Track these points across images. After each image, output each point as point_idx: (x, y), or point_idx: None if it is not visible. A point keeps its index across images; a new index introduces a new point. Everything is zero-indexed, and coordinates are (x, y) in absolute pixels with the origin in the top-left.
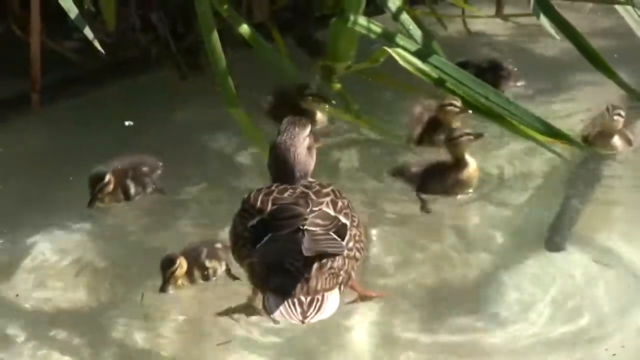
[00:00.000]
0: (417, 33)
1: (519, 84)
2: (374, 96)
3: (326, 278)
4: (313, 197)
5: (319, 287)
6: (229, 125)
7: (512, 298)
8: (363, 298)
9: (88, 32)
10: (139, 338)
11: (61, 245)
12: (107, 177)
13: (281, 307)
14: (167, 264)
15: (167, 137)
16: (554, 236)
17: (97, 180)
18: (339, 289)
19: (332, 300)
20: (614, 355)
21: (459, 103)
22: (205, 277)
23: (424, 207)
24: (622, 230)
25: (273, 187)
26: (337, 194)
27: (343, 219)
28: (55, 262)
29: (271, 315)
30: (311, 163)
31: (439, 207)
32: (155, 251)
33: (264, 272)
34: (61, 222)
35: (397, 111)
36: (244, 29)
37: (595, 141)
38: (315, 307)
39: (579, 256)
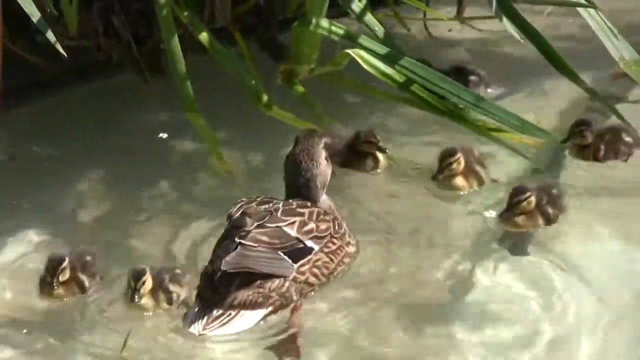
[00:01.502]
0: (382, 34)
1: (489, 90)
2: (338, 99)
3: (249, 295)
4: (279, 214)
5: (235, 302)
6: (192, 128)
7: (475, 303)
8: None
9: (50, 35)
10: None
11: (23, 250)
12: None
13: (192, 314)
14: (138, 275)
15: (131, 141)
16: (516, 241)
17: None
18: (266, 309)
19: (245, 320)
20: None
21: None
22: (170, 301)
23: None
24: (583, 236)
25: (258, 198)
26: (316, 216)
27: (309, 242)
28: (15, 267)
29: (183, 319)
30: (329, 174)
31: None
32: (120, 256)
33: (200, 278)
34: (24, 226)
35: (360, 114)
36: (203, 36)
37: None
38: (220, 321)
39: (540, 262)
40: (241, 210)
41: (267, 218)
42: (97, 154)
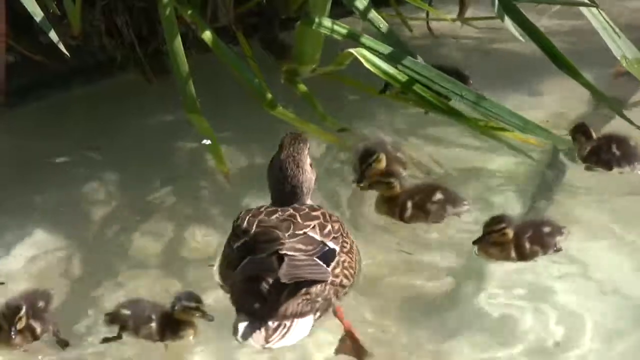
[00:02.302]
0: (386, 32)
1: None
2: (340, 99)
3: (299, 304)
4: (299, 220)
5: (288, 312)
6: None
7: (477, 299)
8: (348, 337)
9: (53, 35)
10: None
11: (22, 247)
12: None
13: (246, 328)
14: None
15: (133, 141)
16: None
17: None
18: (314, 315)
19: (301, 327)
20: None
21: None
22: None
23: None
24: (585, 232)
25: (262, 209)
26: (328, 217)
27: (331, 244)
28: (14, 264)
29: (236, 336)
30: (314, 180)
31: None
32: (115, 257)
33: (239, 293)
34: (27, 226)
35: (363, 114)
36: (207, 35)
37: None
38: (280, 332)
39: (543, 259)
40: (254, 223)
41: (292, 226)
42: (101, 154)
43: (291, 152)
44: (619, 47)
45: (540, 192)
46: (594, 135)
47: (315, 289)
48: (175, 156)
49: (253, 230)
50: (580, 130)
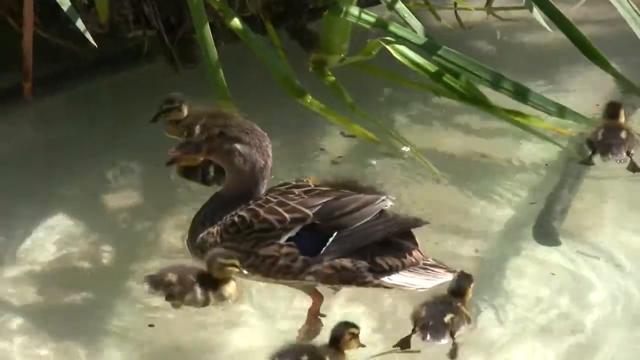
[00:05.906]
0: (413, 22)
1: None
2: (369, 88)
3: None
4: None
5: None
6: None
7: (503, 291)
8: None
9: (80, 24)
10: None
11: (50, 238)
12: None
13: (420, 278)
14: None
15: (160, 130)
16: (544, 229)
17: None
18: None
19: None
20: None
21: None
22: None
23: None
24: (612, 224)
25: (271, 199)
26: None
27: None
28: (42, 254)
29: (417, 288)
30: None
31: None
32: (141, 246)
33: (359, 264)
34: (51, 214)
35: (391, 103)
36: (235, 22)
37: None
38: (439, 263)
39: (568, 249)
40: (302, 208)
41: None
42: (127, 143)
43: (256, 140)
44: None
45: (566, 182)
46: (622, 118)
47: None
48: None
49: (311, 213)
50: (607, 108)
